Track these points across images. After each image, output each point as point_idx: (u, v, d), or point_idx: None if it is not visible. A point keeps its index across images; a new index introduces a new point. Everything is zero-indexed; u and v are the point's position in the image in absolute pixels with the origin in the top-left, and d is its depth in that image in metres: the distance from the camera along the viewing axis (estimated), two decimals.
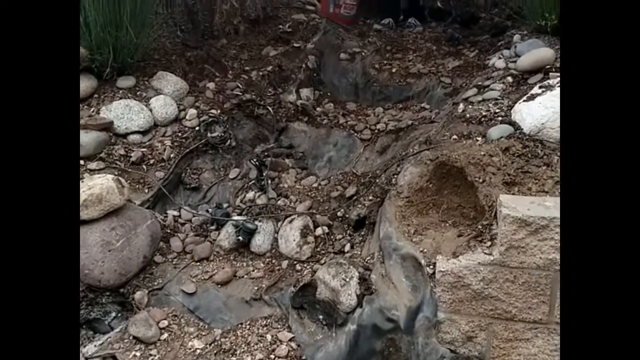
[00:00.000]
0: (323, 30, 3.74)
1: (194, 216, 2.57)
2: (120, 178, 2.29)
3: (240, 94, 3.11)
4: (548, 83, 2.42)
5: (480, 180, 2.13)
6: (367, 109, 3.29)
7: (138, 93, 2.89)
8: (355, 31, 3.98)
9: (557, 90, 2.31)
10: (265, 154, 2.93)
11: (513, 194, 2.10)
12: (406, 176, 2.28)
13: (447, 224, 2.21)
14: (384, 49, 3.74)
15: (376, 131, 2.97)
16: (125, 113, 2.69)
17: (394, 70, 3.45)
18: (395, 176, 2.34)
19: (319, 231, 2.43)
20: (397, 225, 2.15)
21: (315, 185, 2.77)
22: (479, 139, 2.32)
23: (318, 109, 3.28)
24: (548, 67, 2.61)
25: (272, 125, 3.09)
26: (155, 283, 2.31)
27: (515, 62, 2.75)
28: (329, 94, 3.48)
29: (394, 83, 3.37)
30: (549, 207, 1.81)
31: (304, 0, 4.38)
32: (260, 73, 3.34)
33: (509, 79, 2.69)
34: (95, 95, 2.79)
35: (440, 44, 3.84)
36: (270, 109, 3.12)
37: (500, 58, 2.89)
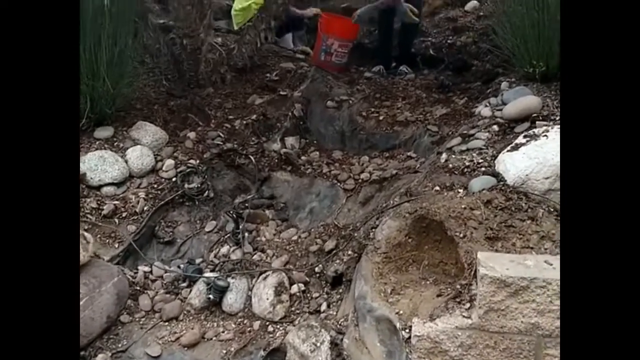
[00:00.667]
0: (311, 78, 3.76)
1: (165, 272, 2.49)
2: (85, 233, 2.23)
3: (222, 143, 3.09)
4: (533, 132, 2.37)
5: (461, 235, 2.04)
6: (352, 158, 3.25)
7: (115, 144, 2.88)
8: (345, 79, 3.99)
9: (542, 140, 2.26)
10: (245, 205, 2.87)
11: (496, 250, 2.01)
12: (384, 230, 2.19)
13: (428, 282, 2.11)
14: (373, 97, 3.72)
15: (360, 181, 2.91)
16: (99, 164, 2.67)
17: (381, 118, 3.42)
18: (374, 230, 2.26)
19: (294, 289, 2.33)
20: (373, 283, 2.06)
21: (295, 238, 2.69)
22: (461, 190, 2.25)
23: (303, 157, 3.24)
24: (534, 115, 2.56)
25: (254, 175, 3.05)
26: (119, 345, 2.21)
27: (501, 110, 2.71)
28: (315, 142, 3.45)
29: (381, 131, 3.34)
30: (530, 266, 1.72)
31: (295, 49, 4.43)
32: (244, 122, 3.33)
33: (495, 127, 2.64)
34: None
35: (430, 91, 3.83)
36: (252, 158, 3.09)
37: (486, 106, 2.86)
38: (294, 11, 4.39)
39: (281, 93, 3.61)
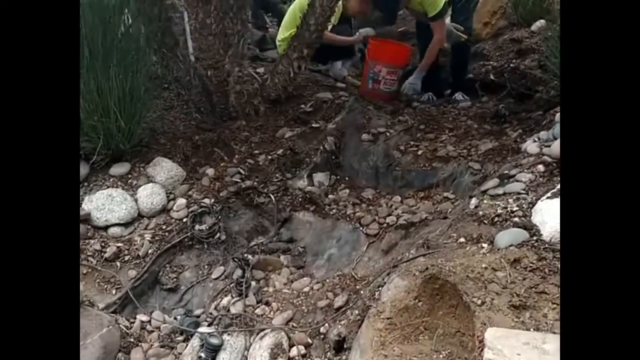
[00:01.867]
0: (348, 109, 3.57)
1: (163, 323, 2.38)
2: None
3: (240, 180, 2.97)
4: None
5: (479, 302, 1.74)
6: (384, 197, 3.00)
7: (129, 181, 2.85)
8: (388, 109, 3.76)
9: None
10: (260, 249, 2.72)
11: (523, 321, 1.69)
12: (390, 290, 1.93)
13: (441, 355, 1.82)
14: (416, 128, 3.47)
15: (385, 225, 2.66)
16: (106, 203, 2.64)
17: (420, 152, 3.15)
18: (380, 288, 2.00)
19: (294, 351, 2.12)
20: (372, 356, 1.80)
21: (306, 289, 2.48)
22: (485, 245, 1.94)
23: (330, 196, 3.04)
24: None
25: (274, 215, 2.89)
26: None
27: (550, 147, 2.37)
28: (346, 178, 3.24)
29: (418, 167, 3.07)
30: (548, 351, 1.39)
31: (339, 78, 4.29)
32: (270, 157, 3.21)
33: (540, 167, 2.30)
34: (85, 184, 2.78)
35: (483, 121, 3.51)
36: (272, 196, 2.94)
37: (535, 141, 2.52)
38: (335, 39, 4.24)
39: (313, 125, 3.46)
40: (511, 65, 4.15)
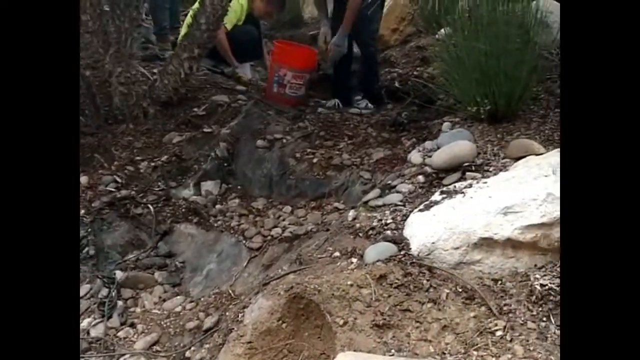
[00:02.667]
0: (245, 113, 3.45)
1: None
2: None
3: (116, 189, 2.77)
4: (454, 187, 2.00)
5: (341, 322, 1.66)
6: (276, 207, 2.90)
7: None
8: (290, 114, 3.67)
9: (458, 198, 1.88)
10: (133, 265, 2.53)
11: (385, 342, 1.63)
12: (254, 312, 1.82)
13: None
14: (316, 135, 3.39)
15: (269, 238, 2.55)
16: None
17: (315, 160, 3.07)
18: (245, 309, 1.88)
19: None
20: None
21: (178, 309, 2.32)
22: (355, 260, 1.87)
23: (218, 206, 2.90)
24: (466, 164, 2.19)
25: (152, 227, 2.71)
26: None
27: (432, 156, 2.35)
28: (238, 187, 3.10)
29: (312, 176, 2.99)
30: None
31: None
32: (153, 164, 3.02)
33: (420, 178, 2.27)
34: None
35: (383, 129, 3.48)
36: (151, 207, 2.76)
37: (419, 151, 2.49)
38: (223, 46, 4.11)
39: (205, 130, 3.30)
40: (415, 73, 4.19)
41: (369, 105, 4.01)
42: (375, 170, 2.78)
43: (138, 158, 3.05)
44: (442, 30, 4.34)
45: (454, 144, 2.28)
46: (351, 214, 2.17)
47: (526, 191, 1.76)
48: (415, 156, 2.45)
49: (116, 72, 3.18)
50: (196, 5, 3.41)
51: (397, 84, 4.21)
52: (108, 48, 3.09)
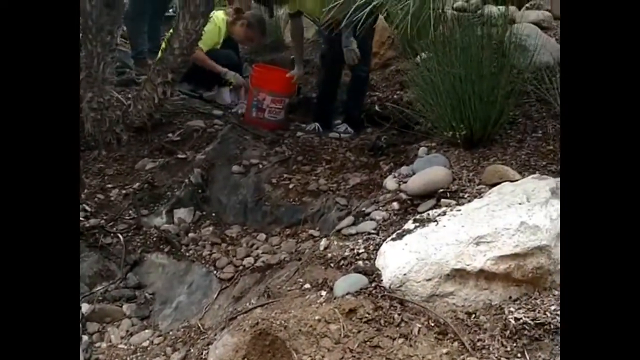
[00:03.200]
0: (220, 138, 3.40)
1: None
2: None
3: (84, 218, 2.69)
4: (427, 215, 1.95)
5: None
6: (250, 234, 2.84)
7: None
8: (268, 138, 3.63)
9: (431, 227, 1.83)
10: (101, 297, 2.44)
11: None
12: (218, 349, 1.74)
13: None
14: (293, 160, 3.35)
15: (241, 268, 2.48)
16: None
17: (291, 186, 3.03)
18: (209, 347, 1.80)
19: None
20: None
21: (146, 343, 2.23)
22: (324, 293, 1.81)
23: (191, 234, 2.83)
24: (441, 190, 2.15)
25: (122, 257, 2.63)
26: None
27: (407, 182, 2.31)
28: (213, 214, 3.04)
29: (288, 202, 2.93)
30: None
31: (219, 104, 4.12)
32: (124, 191, 2.96)
33: (395, 205, 2.23)
34: None
35: (362, 154, 3.45)
36: (121, 236, 2.68)
37: (395, 177, 2.45)
38: (205, 62, 4.08)
39: (179, 156, 3.25)
40: (394, 97, 4.18)
41: (349, 129, 3.99)
42: (352, 196, 2.73)
43: (109, 185, 2.99)
44: (421, 54, 4.39)
45: (429, 170, 2.25)
46: (323, 243, 2.11)
47: (499, 220, 1.71)
48: (390, 182, 2.40)
49: (87, 98, 3.12)
50: (172, 30, 3.39)
51: (377, 108, 4.19)
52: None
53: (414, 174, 2.37)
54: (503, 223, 1.68)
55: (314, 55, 5.03)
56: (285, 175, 3.15)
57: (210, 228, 2.92)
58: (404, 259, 1.75)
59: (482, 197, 1.99)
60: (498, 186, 2.01)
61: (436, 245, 1.72)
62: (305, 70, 5.03)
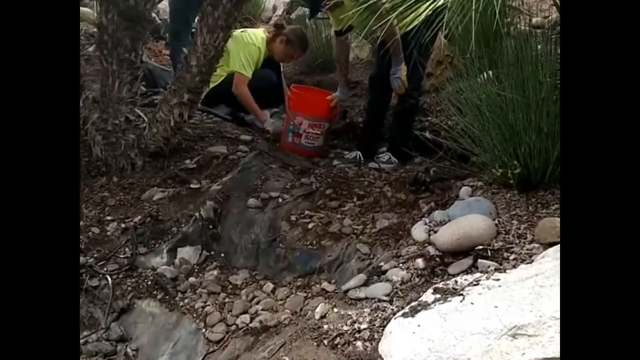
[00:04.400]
0: (241, 166, 3.06)
1: None
2: None
3: None
4: (453, 284, 1.48)
5: None
6: (257, 282, 2.46)
7: None
8: (297, 167, 3.26)
9: (458, 301, 1.36)
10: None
11: None
12: None
13: None
14: (320, 194, 2.95)
15: (233, 327, 2.09)
16: None
17: (311, 225, 2.62)
18: None
19: None
20: None
21: None
22: None
23: (192, 279, 2.49)
24: (480, 248, 1.67)
25: (108, 304, 2.32)
26: None
27: (437, 232, 1.84)
28: (222, 255, 2.69)
29: (305, 245, 2.53)
30: None
31: (253, 128, 3.82)
32: (123, 225, 2.66)
33: (420, 262, 1.77)
34: None
35: (402, 188, 3.00)
36: (109, 278, 2.38)
37: (425, 224, 1.99)
38: (247, 100, 3.83)
39: (192, 186, 2.93)
40: (449, 122, 3.69)
41: (392, 159, 3.54)
42: (376, 243, 2.29)
43: (108, 218, 2.71)
44: (485, 74, 3.87)
45: (467, 219, 1.78)
46: (320, 309, 1.68)
47: (548, 302, 1.22)
48: (419, 230, 1.95)
49: (92, 119, 2.89)
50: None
51: (428, 135, 3.71)
52: (81, 92, 2.81)
53: (449, 220, 1.90)
54: (552, 308, 1.19)
55: (365, 77, 4.65)
56: (306, 212, 2.75)
57: (215, 272, 2.56)
58: (413, 348, 1.29)
59: (531, 262, 1.50)
60: (554, 247, 1.51)
61: (457, 333, 1.25)
62: (353, 92, 4.68)
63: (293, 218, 2.71)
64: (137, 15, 3.15)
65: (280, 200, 2.83)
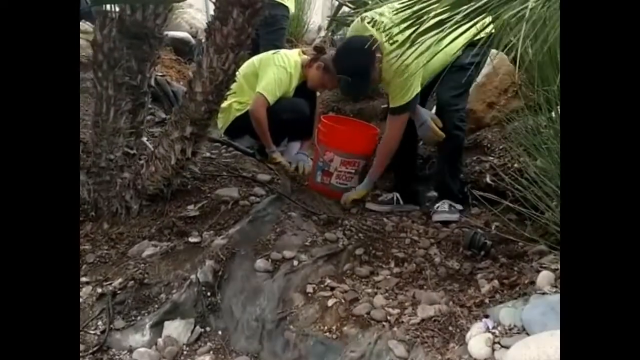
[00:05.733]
0: (252, 215, 2.55)
1: None
2: None
3: None
4: None
5: None
6: None
7: None
8: (323, 217, 2.72)
9: None
10: None
11: None
12: None
13: None
14: (349, 254, 2.40)
15: None
16: None
17: (332, 302, 2.06)
18: None
19: None
20: None
21: None
22: None
23: None
24: None
25: None
26: None
27: (510, 348, 1.24)
28: (219, 332, 2.16)
29: (321, 331, 1.97)
30: None
31: (268, 166, 3.30)
32: (100, 290, 2.18)
33: None
34: None
35: (455, 251, 2.41)
36: None
37: (487, 329, 1.39)
38: (263, 131, 3.39)
39: (191, 240, 2.43)
40: (516, 165, 3.06)
41: (455, 207, 2.93)
42: (416, 342, 1.69)
43: (83, 279, 2.23)
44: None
45: (553, 338, 1.16)
46: None
47: None
48: (477, 341, 1.35)
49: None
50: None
51: (488, 180, 3.10)
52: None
53: (523, 330, 1.29)
54: None
55: None
56: (327, 282, 2.19)
57: (208, 357, 2.03)
58: None
59: None
60: None
61: None
62: None
63: (309, 289, 2.16)
64: (144, 32, 2.73)
65: (295, 262, 2.29)
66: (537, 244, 2.33)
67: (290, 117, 3.47)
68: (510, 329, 1.35)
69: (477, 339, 1.35)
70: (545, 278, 1.52)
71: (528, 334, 1.27)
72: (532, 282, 1.59)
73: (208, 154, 3.32)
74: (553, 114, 3.16)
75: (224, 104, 3.51)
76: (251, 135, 3.57)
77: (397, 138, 2.88)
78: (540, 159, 3.09)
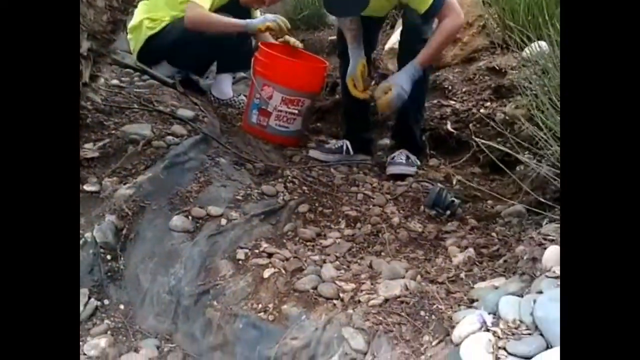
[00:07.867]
0: (170, 160, 2.11)
1: None
2: None
3: None
4: None
5: None
6: None
7: None
8: (258, 165, 2.31)
9: None
10: None
11: None
12: None
13: None
14: (292, 212, 2.04)
15: None
16: None
17: (267, 273, 1.69)
18: None
19: None
20: None
21: None
22: None
23: None
24: None
25: None
26: None
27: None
28: (121, 306, 1.76)
29: (254, 310, 1.61)
30: None
31: (192, 99, 2.81)
32: None
33: None
34: None
35: (416, 210, 2.10)
36: None
37: (484, 327, 1.05)
38: (212, 22, 2.81)
39: (87, 188, 1.98)
40: (481, 110, 2.76)
41: (413, 160, 2.58)
42: (378, 331, 1.35)
43: None
44: (534, 44, 2.88)
45: None
46: None
47: None
48: (473, 344, 1.02)
49: None
50: None
51: (449, 127, 2.78)
52: None
53: (534, 327, 0.97)
54: None
55: None
56: (264, 246, 1.83)
57: (104, 340, 1.63)
58: None
59: None
60: None
61: None
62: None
63: (241, 255, 1.80)
64: None
65: (223, 221, 1.91)
66: (509, 204, 2.06)
67: (218, 39, 2.92)
68: (516, 327, 1.03)
69: (473, 340, 1.02)
70: (553, 254, 1.20)
71: (542, 335, 0.96)
72: (534, 259, 1.27)
73: (116, 82, 2.80)
74: (524, 52, 2.84)
75: (134, 22, 2.98)
76: (170, 61, 3.05)
77: (462, 16, 2.42)
78: (510, 104, 2.82)
